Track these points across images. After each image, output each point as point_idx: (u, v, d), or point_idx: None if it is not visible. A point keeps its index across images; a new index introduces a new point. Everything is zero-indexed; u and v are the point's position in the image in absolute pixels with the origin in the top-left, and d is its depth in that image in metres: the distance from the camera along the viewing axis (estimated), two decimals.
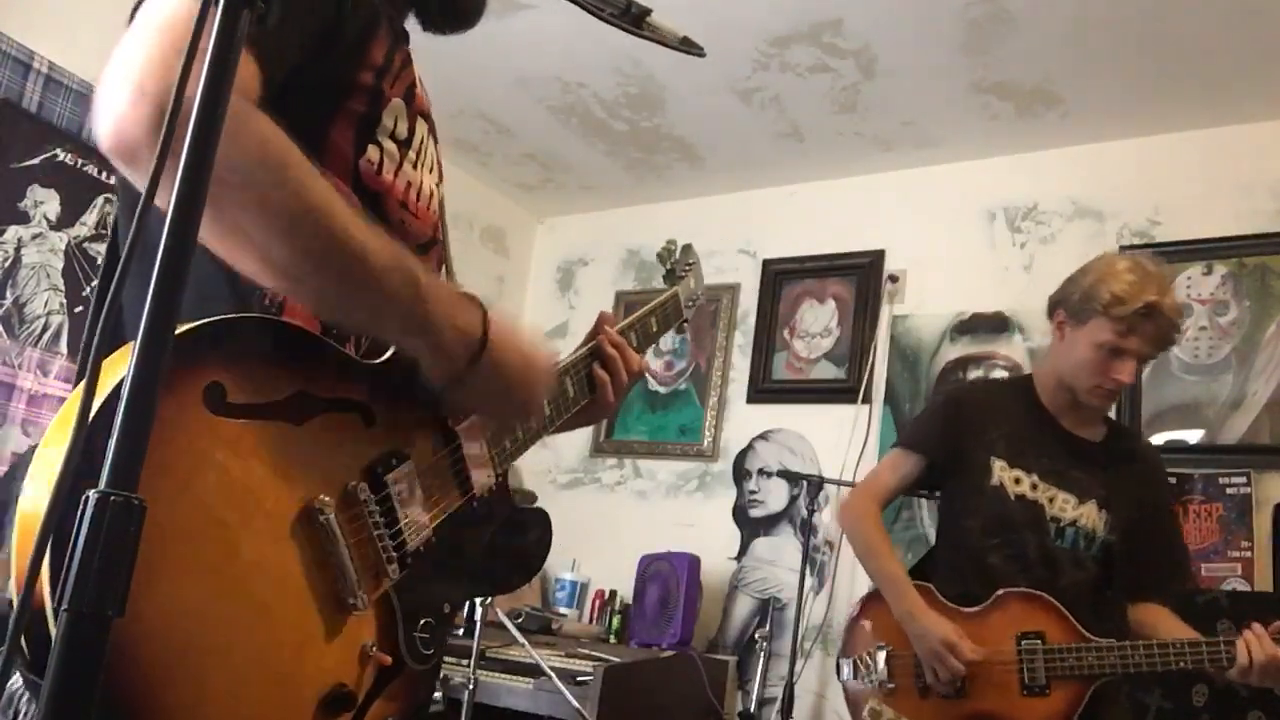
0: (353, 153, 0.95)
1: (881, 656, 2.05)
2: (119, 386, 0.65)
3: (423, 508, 0.94)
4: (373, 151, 0.96)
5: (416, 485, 0.93)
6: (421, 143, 1.04)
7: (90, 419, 0.57)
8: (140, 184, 0.73)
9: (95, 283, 2.82)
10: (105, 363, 0.67)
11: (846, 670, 2.12)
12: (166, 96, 0.69)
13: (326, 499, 0.82)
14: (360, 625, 0.86)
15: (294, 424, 0.81)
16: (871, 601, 2.15)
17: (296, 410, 0.81)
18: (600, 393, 1.23)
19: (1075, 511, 2.01)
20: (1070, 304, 2.04)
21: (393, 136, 0.98)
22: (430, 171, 1.08)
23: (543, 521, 1.16)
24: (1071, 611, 1.93)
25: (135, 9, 0.84)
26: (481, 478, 1.03)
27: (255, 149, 0.75)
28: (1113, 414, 3.02)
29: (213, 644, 0.72)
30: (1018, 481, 2.03)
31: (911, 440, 2.20)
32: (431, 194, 1.08)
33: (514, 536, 1.11)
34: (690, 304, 1.56)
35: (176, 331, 0.69)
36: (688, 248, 1.59)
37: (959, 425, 2.11)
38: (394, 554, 0.89)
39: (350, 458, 0.87)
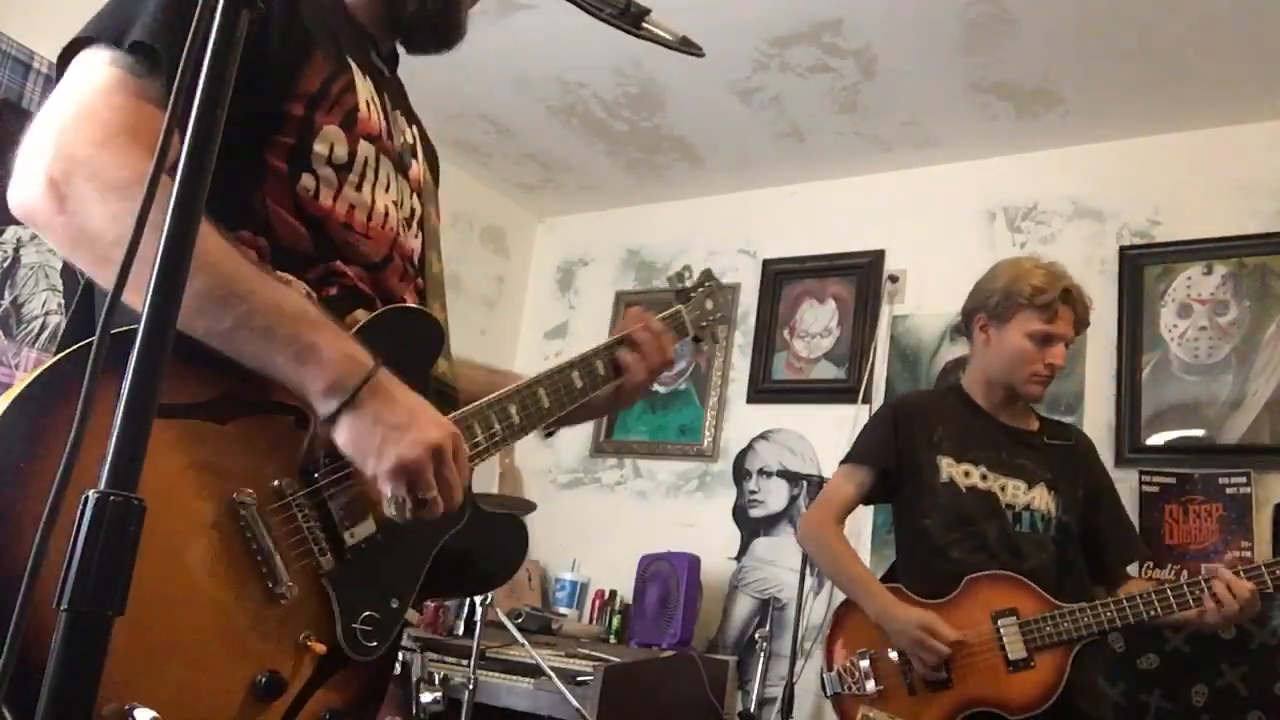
0: (288, 180, 0.99)
1: (865, 663, 2.08)
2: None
3: (367, 505, 0.96)
4: (307, 179, 1.00)
5: (360, 484, 0.95)
6: (365, 165, 1.06)
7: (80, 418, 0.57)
8: (45, 237, 0.86)
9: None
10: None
11: (832, 683, 2.14)
12: (62, 164, 0.82)
13: (249, 492, 0.86)
14: (295, 616, 0.89)
15: (217, 423, 0.85)
16: (844, 611, 2.19)
17: (220, 410, 0.85)
18: (627, 373, 1.29)
19: (1027, 496, 2.10)
20: (990, 307, 2.17)
21: (329, 163, 1.01)
22: (385, 191, 1.09)
23: (513, 528, 1.16)
24: (1039, 587, 2.00)
25: (60, 61, 0.92)
26: None
27: (104, 209, 0.82)
28: (1114, 413, 3.05)
29: (135, 635, 0.75)
30: (967, 474, 2.12)
31: (858, 454, 2.28)
32: (388, 212, 1.09)
33: (480, 539, 1.11)
34: (704, 324, 1.59)
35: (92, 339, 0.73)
36: (707, 273, 1.63)
37: (902, 431, 2.22)
38: (326, 547, 0.92)
39: (284, 457, 0.91)
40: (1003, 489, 2.10)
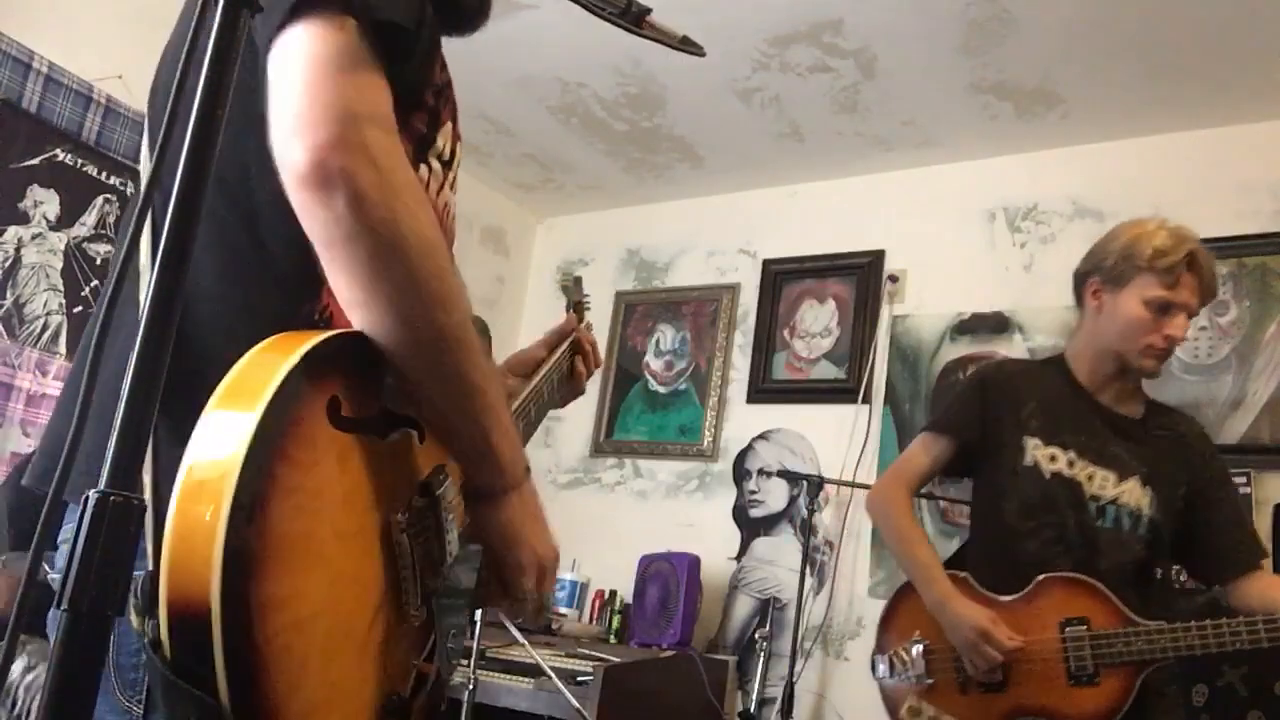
0: (413, 166, 0.96)
1: (918, 651, 1.95)
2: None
3: (458, 520, 0.96)
4: (423, 170, 0.98)
5: (456, 499, 0.95)
6: (458, 165, 1.06)
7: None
8: (335, 204, 0.76)
9: (97, 282, 2.82)
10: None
11: (882, 667, 2.02)
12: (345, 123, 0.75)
13: (404, 515, 0.85)
14: (410, 636, 0.88)
15: (381, 438, 0.83)
16: (904, 593, 2.04)
17: (382, 425, 0.83)
18: (577, 382, 1.36)
19: (1116, 489, 1.92)
20: (1105, 270, 1.96)
21: (439, 157, 1.00)
22: (455, 193, 1.10)
23: None
24: (1115, 595, 1.84)
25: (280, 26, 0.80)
26: None
27: (430, 233, 0.80)
28: None
29: (330, 649, 0.74)
30: (1054, 458, 1.94)
31: (941, 423, 2.11)
32: (455, 217, 1.11)
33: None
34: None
35: (310, 344, 0.72)
36: (578, 280, 1.66)
37: (990, 405, 2.02)
38: (438, 566, 0.91)
39: (412, 472, 0.89)
40: (1090, 478, 1.92)
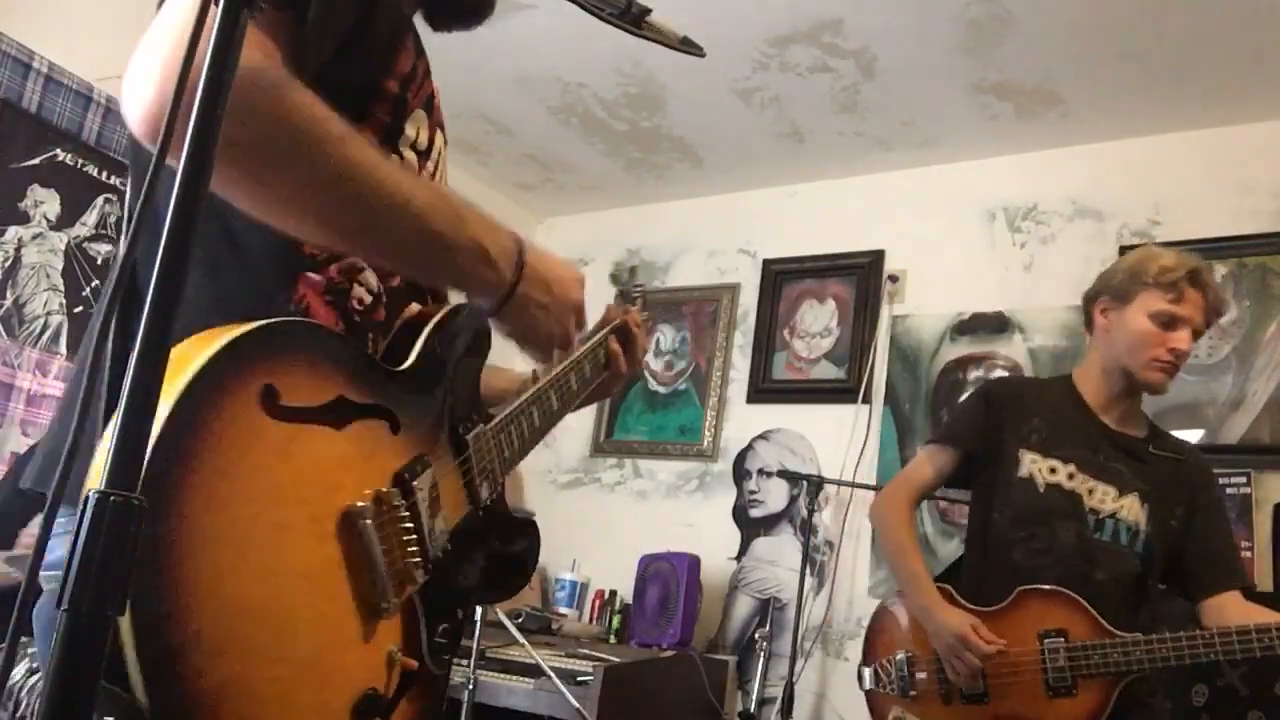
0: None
1: (903, 662, 2.01)
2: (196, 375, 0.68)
3: (441, 515, 0.95)
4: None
5: (436, 493, 0.94)
6: (439, 154, 1.05)
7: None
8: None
9: (98, 282, 2.82)
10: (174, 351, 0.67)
11: (869, 678, 2.08)
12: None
13: (364, 504, 0.82)
14: (388, 630, 0.86)
15: (335, 428, 0.81)
16: (892, 607, 2.12)
17: (337, 415, 0.81)
18: (614, 364, 1.29)
19: (1115, 504, 1.96)
20: (1113, 287, 2.03)
21: (413, 147, 1.00)
22: (445, 182, 1.10)
23: (532, 531, 1.16)
24: (1105, 606, 1.87)
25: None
26: (485, 489, 1.04)
27: (300, 121, 0.77)
28: None
29: (269, 647, 0.72)
30: (1053, 471, 1.99)
31: (947, 434, 2.16)
32: None
33: (509, 545, 1.11)
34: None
35: (232, 335, 0.70)
36: (634, 270, 1.64)
37: (995, 418, 2.07)
38: (418, 559, 0.89)
39: (382, 463, 0.87)
40: (1090, 492, 1.96)
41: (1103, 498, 1.97)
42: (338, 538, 0.79)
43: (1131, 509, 1.96)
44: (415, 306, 1.02)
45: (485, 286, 0.95)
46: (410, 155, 0.99)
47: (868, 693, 2.08)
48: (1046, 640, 1.88)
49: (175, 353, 0.68)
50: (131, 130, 0.75)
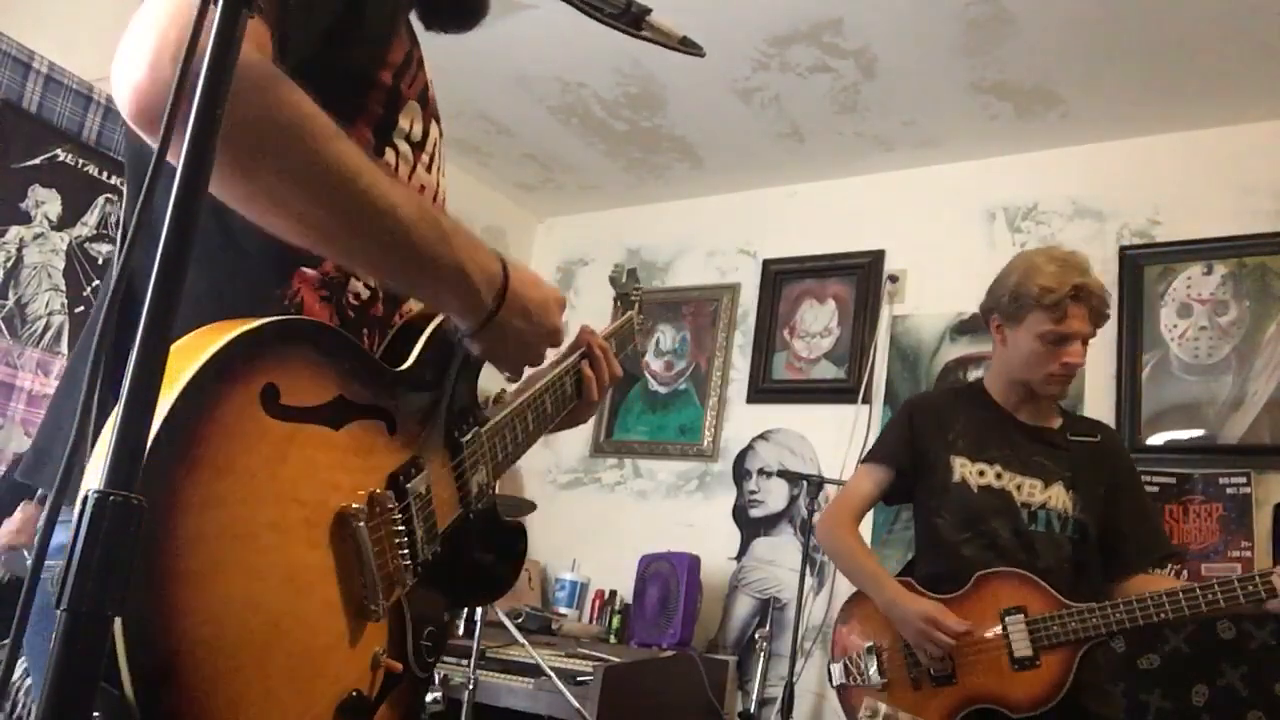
0: (372, 152, 0.95)
1: (871, 655, 2.09)
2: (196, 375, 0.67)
3: (433, 518, 0.94)
4: (389, 154, 0.97)
5: (430, 495, 0.93)
6: (434, 146, 1.04)
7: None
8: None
9: (99, 282, 2.82)
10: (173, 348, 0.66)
11: (838, 674, 2.15)
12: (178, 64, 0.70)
13: (359, 507, 0.82)
14: (374, 632, 0.86)
15: (333, 429, 0.80)
16: (854, 603, 2.20)
17: (336, 415, 0.81)
18: (586, 390, 1.27)
19: (1044, 494, 2.07)
20: (1002, 308, 2.13)
21: (408, 139, 0.99)
22: (443, 175, 1.09)
23: (520, 535, 1.16)
24: (1052, 587, 1.98)
25: None
26: (477, 493, 1.04)
27: (285, 114, 0.75)
28: (1114, 414, 3.05)
29: (258, 646, 0.72)
30: (981, 474, 2.11)
31: (875, 453, 2.29)
32: (444, 199, 1.09)
33: (497, 548, 1.11)
34: (639, 329, 1.61)
35: (236, 332, 0.69)
36: (633, 272, 1.64)
37: (917, 431, 2.20)
38: (409, 562, 0.89)
39: (377, 464, 0.87)
40: (1018, 488, 2.08)
41: (1031, 491, 2.08)
42: (331, 540, 0.79)
43: (1059, 497, 2.07)
44: (415, 304, 1.01)
45: (465, 308, 0.93)
46: (405, 147, 0.98)
47: (839, 687, 2.15)
48: (1008, 617, 1.98)
49: (177, 346, 0.68)
50: (126, 116, 0.74)
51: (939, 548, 2.11)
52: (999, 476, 2.10)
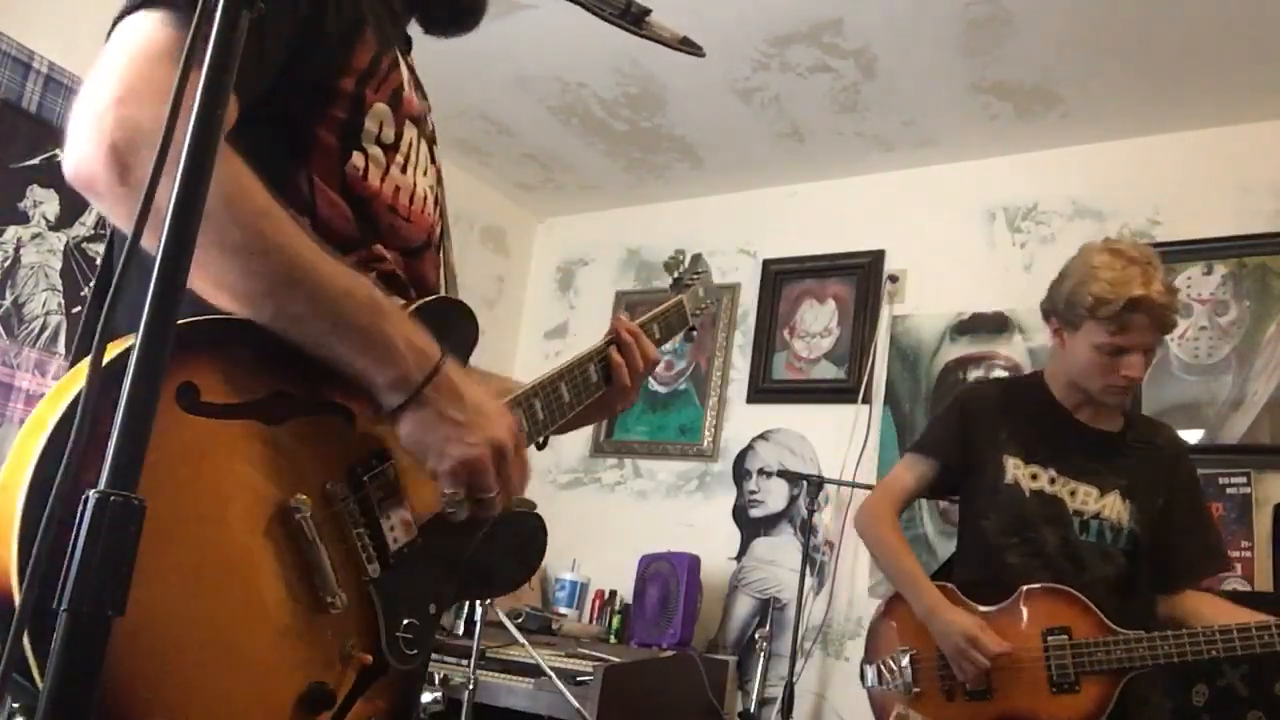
0: (338, 157, 0.96)
1: (906, 660, 2.01)
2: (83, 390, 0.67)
3: (407, 508, 0.94)
4: (358, 158, 0.97)
5: (401, 486, 0.93)
6: (410, 146, 1.04)
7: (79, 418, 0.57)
8: (102, 209, 0.77)
9: (93, 284, 2.82)
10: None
11: (871, 676, 2.09)
12: (126, 133, 0.73)
13: (303, 497, 0.83)
14: (342, 624, 0.87)
15: (271, 424, 0.82)
16: (894, 604, 2.11)
17: (274, 410, 0.82)
18: (616, 376, 1.26)
19: (1098, 504, 1.98)
20: (1059, 312, 2.03)
21: (378, 141, 0.99)
22: (424, 174, 1.08)
23: (536, 523, 1.15)
24: (1097, 606, 1.89)
25: (112, 26, 0.85)
26: None
27: (217, 189, 0.75)
28: None
29: (194, 643, 0.73)
30: (1034, 477, 2.00)
31: (924, 444, 2.19)
32: (426, 196, 1.08)
33: (506, 538, 1.10)
34: (698, 312, 1.57)
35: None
36: (698, 257, 1.62)
37: (970, 427, 2.09)
38: (374, 553, 0.90)
39: (332, 458, 0.88)
40: (1072, 494, 1.98)
41: (1085, 499, 1.99)
42: (271, 533, 0.80)
43: (1114, 508, 1.98)
44: (399, 300, 1.01)
45: (390, 380, 0.87)
46: (375, 150, 0.99)
47: (870, 690, 2.09)
48: (1050, 637, 1.89)
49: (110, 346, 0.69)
50: (65, 173, 0.76)
51: (983, 551, 2.02)
52: (1053, 481, 2.00)
